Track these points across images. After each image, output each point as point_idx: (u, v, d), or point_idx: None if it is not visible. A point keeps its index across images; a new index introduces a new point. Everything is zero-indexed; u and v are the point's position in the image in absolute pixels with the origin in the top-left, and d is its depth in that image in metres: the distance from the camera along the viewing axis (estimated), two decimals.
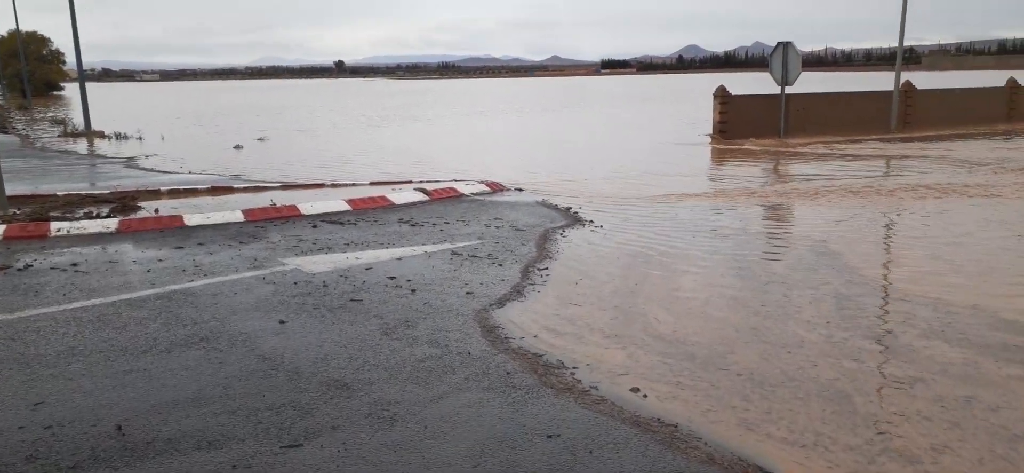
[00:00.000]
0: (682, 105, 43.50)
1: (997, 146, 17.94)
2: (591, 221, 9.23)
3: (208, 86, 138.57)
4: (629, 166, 15.48)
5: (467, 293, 6.15)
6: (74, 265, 6.93)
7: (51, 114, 36.69)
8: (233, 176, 14.12)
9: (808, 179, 12.99)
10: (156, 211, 9.60)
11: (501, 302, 5.93)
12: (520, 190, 11.91)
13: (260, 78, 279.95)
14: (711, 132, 21.12)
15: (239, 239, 8.10)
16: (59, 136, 24.30)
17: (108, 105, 53.28)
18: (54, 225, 8.26)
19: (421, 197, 10.59)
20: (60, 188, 12.01)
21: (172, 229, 8.55)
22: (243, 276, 6.61)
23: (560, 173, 14.41)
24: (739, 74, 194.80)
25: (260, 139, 23.12)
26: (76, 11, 24.04)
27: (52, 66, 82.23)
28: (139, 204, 10.15)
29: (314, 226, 8.81)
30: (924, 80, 64.09)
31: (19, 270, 6.75)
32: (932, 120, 22.67)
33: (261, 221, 9.04)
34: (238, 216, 9.09)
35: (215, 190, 11.53)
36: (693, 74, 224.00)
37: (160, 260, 7.15)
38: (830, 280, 6.52)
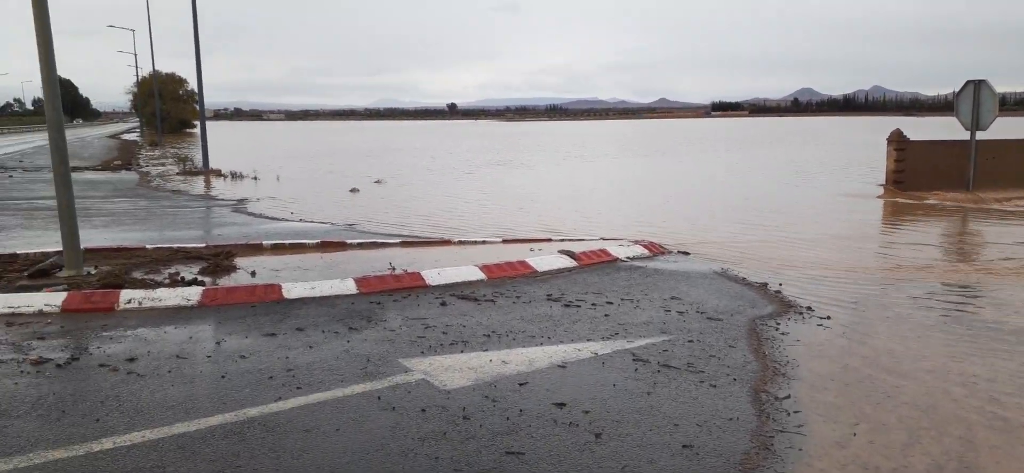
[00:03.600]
0: (817, 149, 39.94)
1: None
2: (809, 308, 6.82)
3: (329, 126, 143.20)
4: (804, 224, 12.88)
5: (684, 446, 3.94)
6: (131, 361, 5.17)
7: (177, 152, 37.26)
8: (347, 226, 12.51)
9: None
10: (253, 274, 7.91)
11: (747, 471, 3.67)
12: (685, 254, 9.62)
13: (378, 119, 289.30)
14: (884, 182, 18.13)
15: (349, 321, 6.20)
16: (177, 174, 23.88)
17: (233, 144, 54.72)
18: (125, 294, 6.62)
19: (567, 262, 8.48)
20: (155, 238, 10.65)
21: (267, 303, 6.76)
22: (351, 391, 4.64)
23: (722, 230, 12.01)
24: (862, 118, 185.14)
25: (377, 182, 21.83)
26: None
27: (187, 105, 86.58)
28: (235, 262, 8.52)
29: (442, 303, 6.83)
30: None
31: (59, 366, 5.05)
32: None
33: (377, 293, 7.15)
34: (350, 286, 7.24)
35: (325, 245, 9.84)
36: (810, 117, 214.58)
37: (243, 356, 5.30)
38: None
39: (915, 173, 17.65)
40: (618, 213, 14.81)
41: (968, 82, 17.28)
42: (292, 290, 7.03)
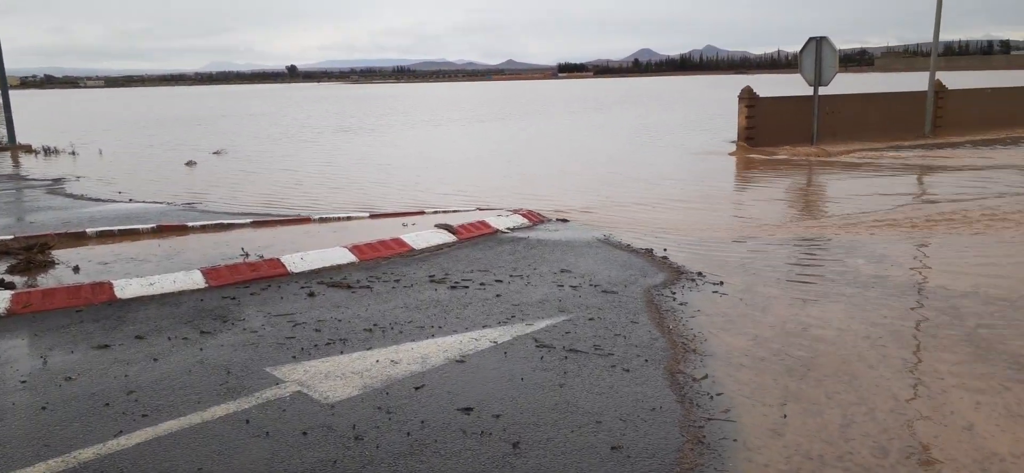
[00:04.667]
0: (665, 108, 41.39)
1: None
2: (699, 273, 6.61)
3: (156, 92, 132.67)
4: (672, 184, 12.96)
5: (612, 448, 3.48)
6: None
7: None
8: (186, 205, 11.17)
9: (927, 200, 10.59)
10: (76, 270, 6.70)
11: (685, 472, 3.27)
12: (565, 221, 9.26)
13: (210, 84, 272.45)
14: (736, 139, 18.75)
15: (200, 323, 5.28)
16: None
17: (45, 114, 49.34)
18: None
19: (446, 237, 7.86)
20: None
21: (96, 305, 5.68)
22: (211, 416, 3.82)
23: (593, 194, 11.80)
24: (699, 76, 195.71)
25: (216, 152, 20.05)
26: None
27: None
28: (53, 255, 7.23)
29: (310, 293, 6.02)
30: (881, 82, 63.23)
31: None
32: (964, 122, 20.70)
33: (230, 285, 6.22)
34: (196, 279, 6.24)
35: (162, 230, 8.63)
36: (651, 77, 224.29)
37: (68, 378, 4.30)
38: None
39: (764, 129, 18.34)
40: (484, 180, 14.30)
41: (810, 39, 18.09)
42: (126, 288, 5.96)
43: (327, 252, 7.08)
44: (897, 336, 4.93)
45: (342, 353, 4.70)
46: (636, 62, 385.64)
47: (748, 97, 18.27)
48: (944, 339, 4.86)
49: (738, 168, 15.41)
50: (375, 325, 5.23)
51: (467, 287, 6.19)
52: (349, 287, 6.19)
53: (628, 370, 4.41)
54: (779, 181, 13.25)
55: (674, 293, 6.02)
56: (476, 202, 10.75)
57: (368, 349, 4.76)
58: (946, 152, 16.52)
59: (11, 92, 22.81)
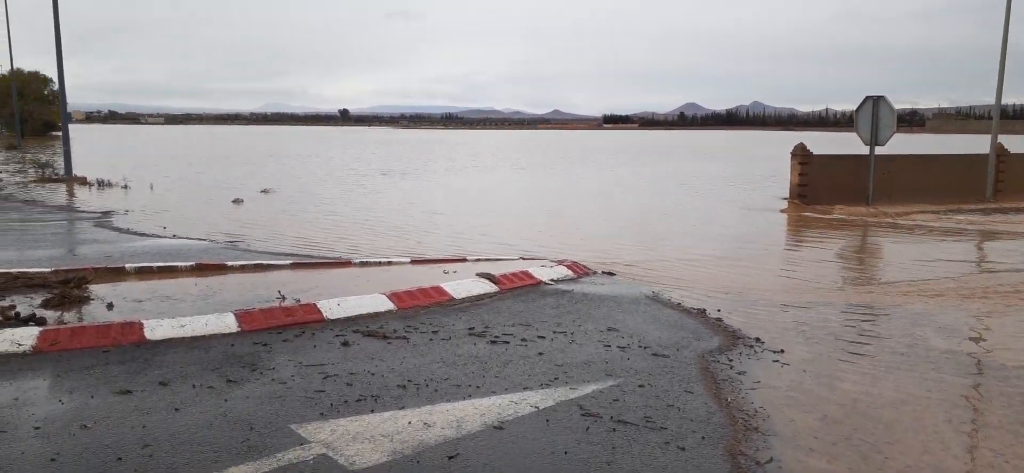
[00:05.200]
0: (714, 163, 40.85)
1: None
2: (758, 340, 6.16)
3: (213, 131, 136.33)
4: (722, 241, 12.49)
5: None
6: None
7: (38, 156, 33.83)
8: (228, 242, 11.09)
9: (998, 269, 9.98)
10: (110, 307, 6.54)
11: None
12: (611, 274, 8.89)
13: (265, 124, 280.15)
14: (788, 196, 18.18)
15: (227, 371, 5.02)
16: (34, 181, 21.35)
17: (105, 148, 50.86)
18: None
19: (488, 287, 7.54)
20: None
21: (124, 346, 5.48)
22: None
23: (640, 247, 11.41)
24: (745, 132, 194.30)
25: (264, 191, 20.19)
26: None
27: (53, 106, 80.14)
28: (89, 291, 7.10)
29: (344, 342, 5.74)
30: (934, 142, 61.59)
31: None
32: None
33: (263, 330, 5.98)
34: (229, 322, 6.02)
35: (201, 268, 8.49)
36: (696, 131, 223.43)
37: (84, 427, 4.06)
38: None
39: (817, 187, 17.78)
40: (528, 228, 14.02)
41: (867, 98, 17.55)
42: (157, 329, 5.76)
43: (365, 298, 6.82)
44: (982, 421, 4.44)
45: (373, 411, 4.38)
46: (682, 115, 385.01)
47: (801, 154, 17.75)
48: None
49: (790, 226, 14.87)
50: (409, 381, 4.91)
51: (508, 342, 5.85)
52: (385, 337, 5.90)
53: (683, 448, 4.00)
54: (835, 241, 12.68)
55: (731, 361, 5.59)
56: (519, 250, 10.46)
57: (400, 408, 4.44)
58: (1012, 218, 15.74)
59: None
